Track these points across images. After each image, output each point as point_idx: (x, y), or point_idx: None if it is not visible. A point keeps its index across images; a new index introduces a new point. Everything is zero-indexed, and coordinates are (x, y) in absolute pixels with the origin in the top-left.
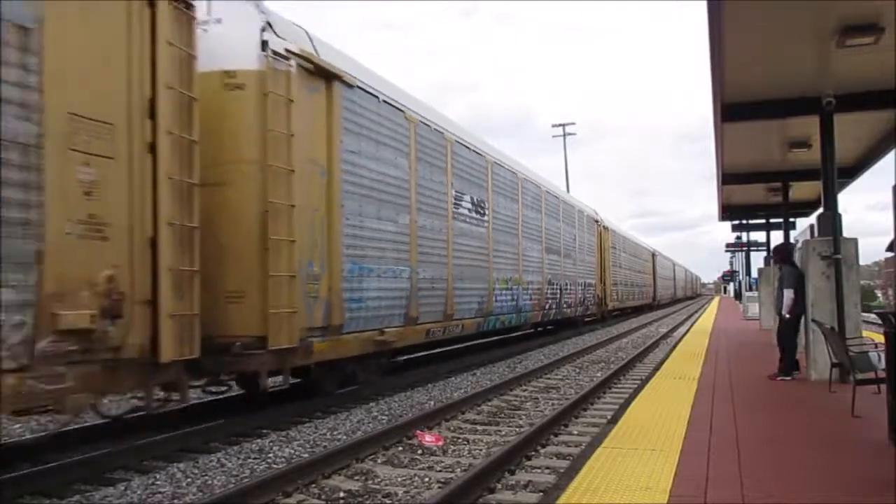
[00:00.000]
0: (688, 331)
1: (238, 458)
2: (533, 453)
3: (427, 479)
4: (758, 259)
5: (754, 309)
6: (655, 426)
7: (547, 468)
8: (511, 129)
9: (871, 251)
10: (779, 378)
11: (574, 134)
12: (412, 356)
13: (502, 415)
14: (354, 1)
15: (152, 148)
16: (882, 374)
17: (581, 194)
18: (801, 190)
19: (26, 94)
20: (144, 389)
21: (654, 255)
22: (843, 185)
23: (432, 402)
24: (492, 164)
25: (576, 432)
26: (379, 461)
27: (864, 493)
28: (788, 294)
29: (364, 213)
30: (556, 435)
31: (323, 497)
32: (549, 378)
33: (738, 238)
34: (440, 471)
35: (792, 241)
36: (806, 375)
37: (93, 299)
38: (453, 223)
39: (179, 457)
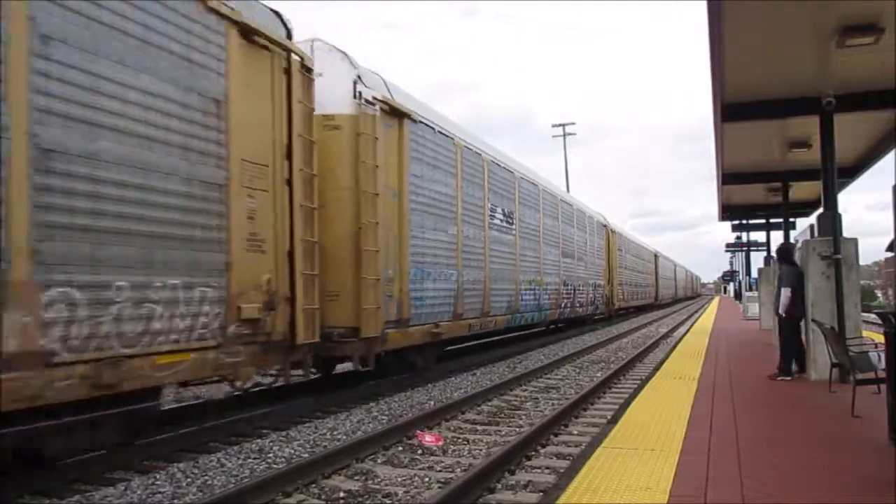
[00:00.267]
0: (688, 331)
1: (238, 458)
2: (533, 453)
3: (427, 479)
4: (758, 259)
5: (754, 309)
6: (655, 426)
7: (547, 468)
8: (511, 128)
9: (871, 251)
10: (779, 378)
11: (574, 134)
12: (455, 347)
13: (502, 415)
14: (354, 1)
15: (289, 182)
16: (882, 374)
17: (581, 194)
18: (801, 190)
19: (221, 148)
20: (283, 365)
21: (656, 256)
22: (843, 185)
23: (432, 402)
24: (518, 179)
25: (576, 432)
26: (379, 461)
27: (864, 493)
28: (785, 293)
29: (424, 226)
30: (556, 435)
31: (323, 497)
32: (549, 378)
33: (738, 238)
34: (440, 471)
35: (792, 241)
36: (806, 375)
37: (258, 296)
38: (489, 232)
39: (179, 457)
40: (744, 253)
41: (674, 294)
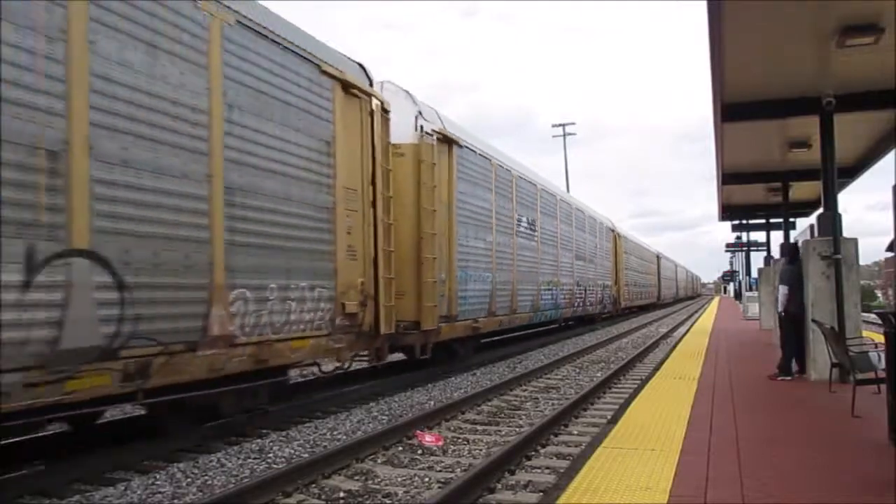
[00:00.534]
0: (688, 331)
1: (238, 458)
2: (533, 453)
3: (427, 479)
4: (758, 259)
5: (754, 309)
6: (655, 426)
7: (547, 468)
8: (511, 128)
9: (871, 251)
10: (779, 378)
11: (574, 134)
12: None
13: (502, 415)
14: (354, 1)
15: (373, 203)
16: (882, 374)
17: (581, 194)
18: (801, 190)
19: (330, 179)
20: (369, 351)
21: (658, 257)
22: (843, 185)
23: (432, 402)
24: (539, 190)
25: (576, 432)
26: (379, 461)
27: (864, 493)
28: (783, 290)
29: (467, 235)
30: (556, 435)
31: (323, 497)
32: (549, 378)
33: (738, 238)
34: (440, 471)
35: (792, 241)
36: (806, 375)
37: (356, 295)
38: (516, 239)
39: (179, 457)
40: (744, 253)
41: (675, 294)
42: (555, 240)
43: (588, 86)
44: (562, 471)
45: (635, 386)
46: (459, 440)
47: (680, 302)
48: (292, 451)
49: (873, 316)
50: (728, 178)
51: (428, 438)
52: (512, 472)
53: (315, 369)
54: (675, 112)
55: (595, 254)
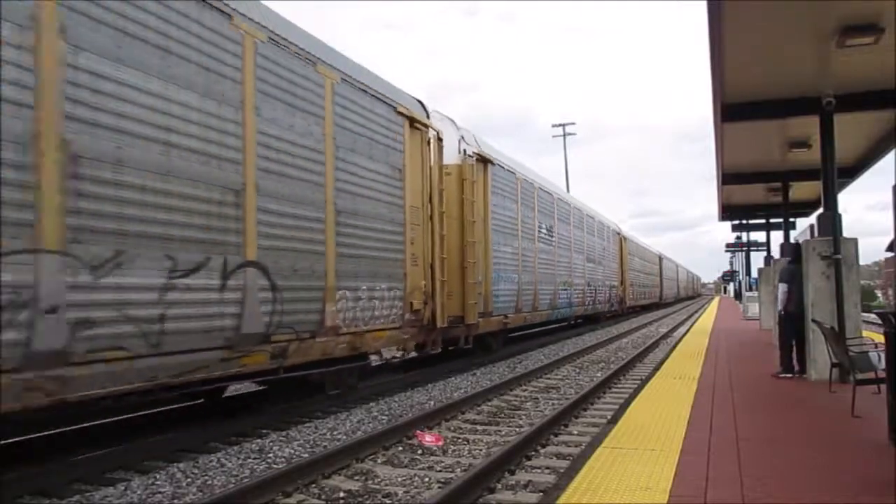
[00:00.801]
0: (688, 331)
1: (238, 458)
2: (533, 453)
3: (427, 479)
4: (758, 259)
5: (754, 309)
6: (655, 426)
7: (547, 468)
8: (511, 128)
9: (871, 251)
10: (781, 375)
11: (574, 134)
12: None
13: (502, 415)
14: (354, 1)
15: (431, 218)
16: (882, 374)
17: (581, 194)
18: (801, 190)
19: (401, 200)
20: (427, 341)
21: (660, 258)
22: (843, 185)
23: (432, 402)
24: (556, 199)
25: (576, 432)
26: (379, 461)
27: (864, 493)
28: (782, 288)
29: (499, 242)
30: (556, 435)
31: (323, 497)
32: (549, 378)
33: (738, 238)
34: (440, 471)
35: (792, 241)
36: (806, 375)
37: (420, 295)
38: (537, 244)
39: (179, 457)
40: (744, 253)
41: (676, 294)
42: (569, 244)
43: (588, 86)
44: (562, 471)
45: (635, 386)
46: (459, 440)
47: (680, 302)
48: (292, 451)
49: (873, 316)
50: (728, 178)
51: (428, 438)
52: (512, 472)
53: (379, 356)
54: (675, 112)
55: (603, 256)
